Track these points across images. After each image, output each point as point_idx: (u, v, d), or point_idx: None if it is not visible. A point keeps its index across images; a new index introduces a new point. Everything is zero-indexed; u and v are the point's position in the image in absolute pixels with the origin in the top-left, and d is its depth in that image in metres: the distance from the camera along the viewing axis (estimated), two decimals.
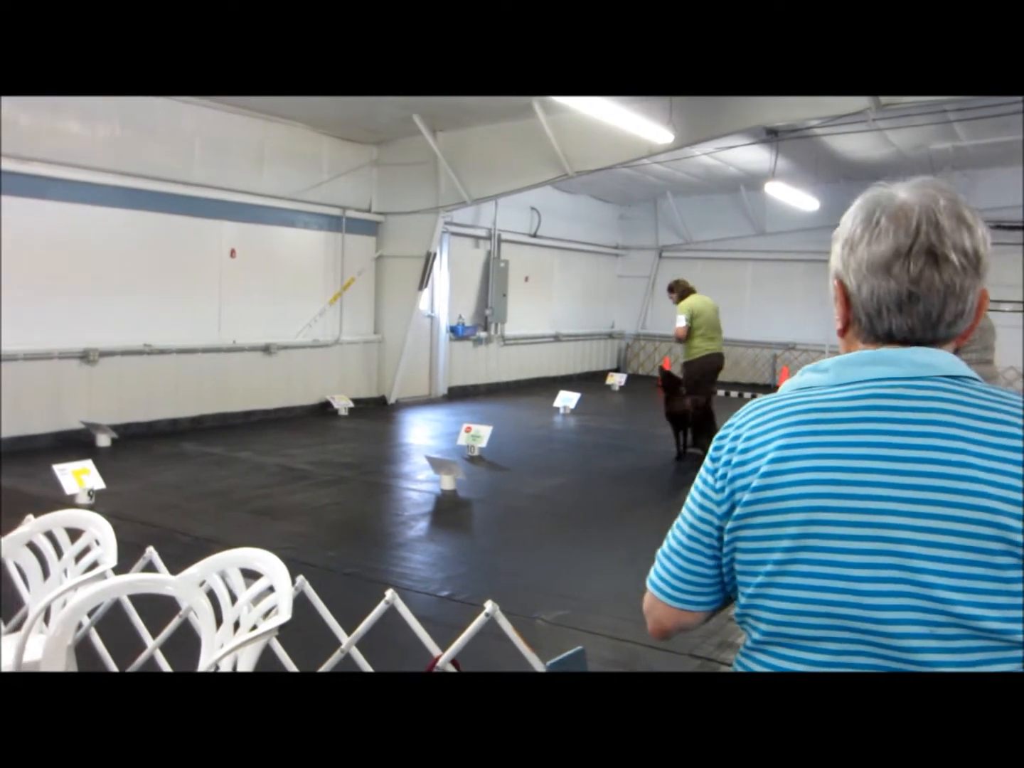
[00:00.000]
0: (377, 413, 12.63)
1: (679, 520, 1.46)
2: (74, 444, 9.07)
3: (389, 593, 2.98)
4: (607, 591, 5.71)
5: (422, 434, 11.39)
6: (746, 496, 1.32)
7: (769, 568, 1.31)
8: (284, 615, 2.78)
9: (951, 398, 1.26)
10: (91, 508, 6.79)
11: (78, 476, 7.08)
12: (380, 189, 13.09)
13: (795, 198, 14.94)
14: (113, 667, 3.46)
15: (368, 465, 9.23)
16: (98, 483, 7.12)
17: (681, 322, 9.75)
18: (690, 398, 9.58)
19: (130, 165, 9.69)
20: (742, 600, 1.37)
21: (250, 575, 3.10)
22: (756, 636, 1.36)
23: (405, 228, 12.94)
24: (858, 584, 1.24)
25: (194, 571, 3.09)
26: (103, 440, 9.23)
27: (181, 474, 8.35)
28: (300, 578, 3.05)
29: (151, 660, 3.36)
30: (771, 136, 12.96)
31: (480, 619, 2.80)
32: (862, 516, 1.24)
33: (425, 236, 12.79)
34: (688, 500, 1.44)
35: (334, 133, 12.15)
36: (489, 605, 2.79)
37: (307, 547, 6.21)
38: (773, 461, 1.30)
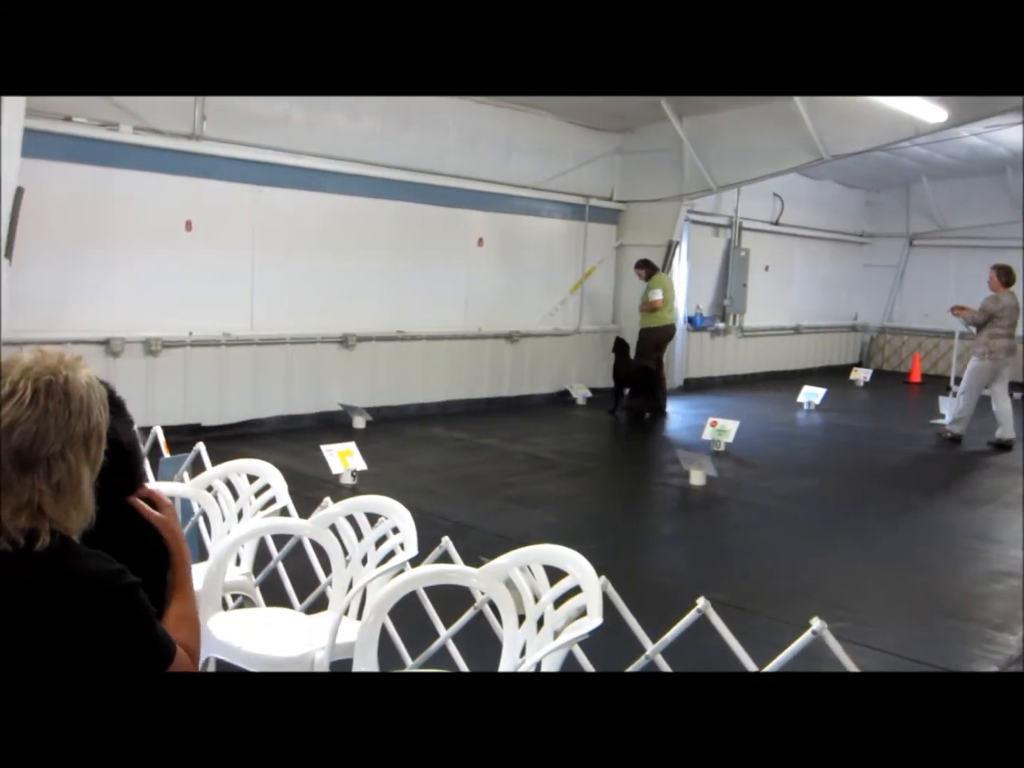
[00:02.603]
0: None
1: None
2: (332, 425, 9.49)
3: (701, 601, 2.83)
4: (886, 604, 5.33)
5: (661, 426, 11.18)
6: None
7: None
8: (596, 619, 2.68)
9: None
10: (354, 488, 7.10)
11: (343, 457, 7.37)
12: (623, 177, 12.93)
13: None
14: (405, 653, 3.50)
15: (613, 456, 9.16)
16: (360, 464, 7.38)
17: (658, 295, 11.38)
18: (642, 363, 11.17)
19: (390, 157, 10.02)
20: None
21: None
22: None
23: (647, 216, 12.71)
24: None
25: (498, 564, 3.06)
26: (359, 422, 9.60)
27: (433, 458, 8.56)
28: (603, 578, 2.95)
29: (443, 650, 3.37)
30: None
31: (806, 637, 2.60)
32: None
33: (667, 225, 12.52)
34: None
35: (579, 122, 12.09)
36: (817, 623, 2.57)
37: (562, 539, 6.10)
38: None
